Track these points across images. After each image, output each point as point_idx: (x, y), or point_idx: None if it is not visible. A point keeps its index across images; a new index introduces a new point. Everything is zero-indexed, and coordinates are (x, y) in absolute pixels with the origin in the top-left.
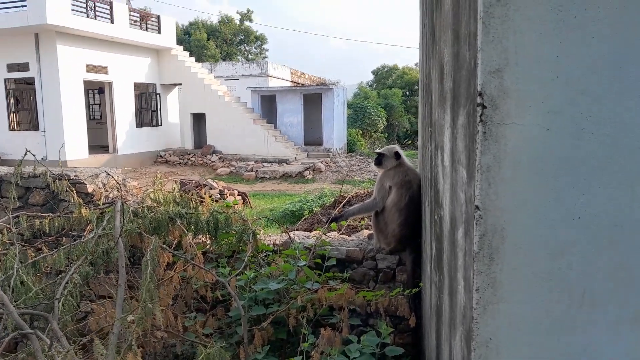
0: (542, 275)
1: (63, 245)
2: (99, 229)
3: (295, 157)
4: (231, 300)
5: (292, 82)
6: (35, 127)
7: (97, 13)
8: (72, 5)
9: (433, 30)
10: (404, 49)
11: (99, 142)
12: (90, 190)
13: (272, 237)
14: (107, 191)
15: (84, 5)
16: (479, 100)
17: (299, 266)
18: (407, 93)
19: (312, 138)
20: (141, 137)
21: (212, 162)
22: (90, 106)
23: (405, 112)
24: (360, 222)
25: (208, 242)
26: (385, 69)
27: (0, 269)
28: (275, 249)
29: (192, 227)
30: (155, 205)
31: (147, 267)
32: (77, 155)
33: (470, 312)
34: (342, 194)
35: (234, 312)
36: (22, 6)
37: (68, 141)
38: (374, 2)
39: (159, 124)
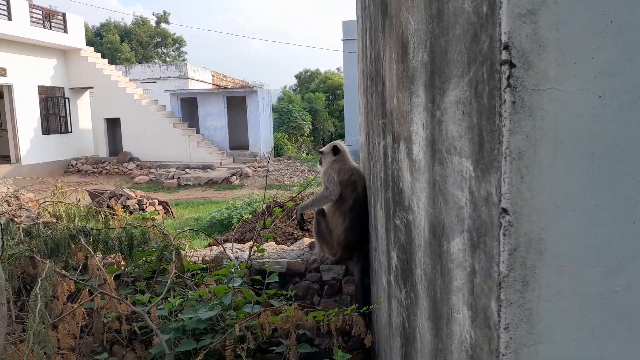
0: (594, 301)
1: None
2: None
3: (221, 163)
4: (153, 334)
5: (213, 84)
6: None
7: None
8: None
9: (385, 5)
10: (325, 53)
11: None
12: None
13: (200, 252)
14: None
15: None
16: (504, 56)
17: (234, 287)
18: (331, 97)
19: (238, 142)
20: (49, 145)
21: (130, 170)
22: None
23: (329, 115)
24: (296, 230)
25: (122, 262)
26: (308, 73)
27: None
28: (205, 265)
29: (101, 246)
30: (54, 221)
31: (36, 303)
32: None
33: (495, 359)
34: (274, 198)
35: (157, 348)
36: None
37: None
38: (294, 5)
39: (69, 130)
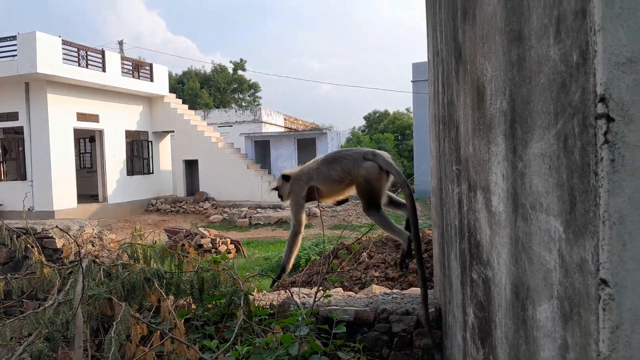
0: None
1: (22, 312)
2: (61, 294)
3: None
4: None
5: (285, 127)
6: (23, 177)
7: (89, 62)
8: (64, 54)
9: (459, 50)
10: (394, 94)
11: (89, 191)
12: (59, 245)
13: (268, 296)
14: (79, 246)
15: (76, 55)
16: (600, 109)
17: (301, 337)
18: (399, 137)
19: None
20: (132, 186)
21: (205, 209)
22: (81, 155)
23: (398, 156)
24: (364, 274)
25: (193, 305)
26: (377, 114)
27: None
28: (273, 311)
29: (173, 289)
30: (131, 262)
31: (110, 347)
32: (66, 205)
33: None
34: (341, 241)
35: None
36: (13, 56)
37: (56, 191)
38: (364, 47)
39: (151, 171)
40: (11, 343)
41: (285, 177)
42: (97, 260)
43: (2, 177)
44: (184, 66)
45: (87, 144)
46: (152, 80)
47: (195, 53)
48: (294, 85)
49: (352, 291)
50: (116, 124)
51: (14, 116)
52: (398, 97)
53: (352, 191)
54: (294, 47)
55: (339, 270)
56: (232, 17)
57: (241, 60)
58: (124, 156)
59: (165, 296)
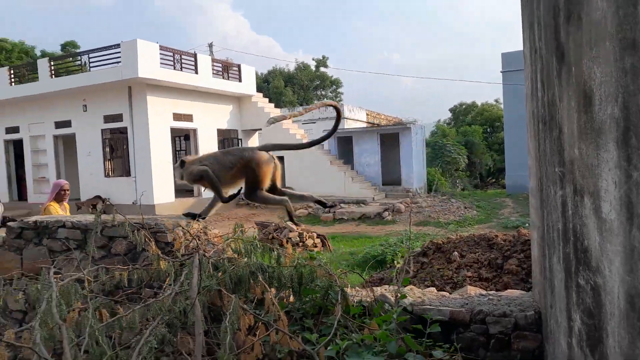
0: None
1: (142, 299)
2: (176, 284)
3: (374, 198)
4: None
5: (368, 122)
6: (128, 173)
7: (183, 65)
8: (161, 59)
9: (561, 50)
10: (481, 85)
11: (184, 186)
12: (170, 239)
13: (360, 292)
14: (187, 240)
15: (172, 59)
16: None
17: (399, 336)
18: (488, 130)
19: (391, 178)
20: None
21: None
22: (177, 152)
23: (487, 149)
24: (455, 274)
25: (291, 299)
26: (464, 106)
27: (79, 326)
28: (365, 305)
29: (275, 282)
30: (235, 256)
31: (226, 335)
32: (165, 199)
33: None
34: (431, 239)
35: None
36: (117, 62)
37: (156, 186)
38: (448, 38)
39: None
40: (137, 326)
41: (182, 163)
42: (206, 254)
43: (110, 174)
44: (269, 65)
45: (182, 142)
46: (240, 80)
47: (279, 52)
48: (376, 79)
49: (444, 291)
50: (208, 122)
51: (119, 118)
52: (486, 88)
53: (241, 180)
54: (375, 42)
55: (429, 269)
56: (314, 15)
57: (323, 57)
58: None
59: (268, 289)
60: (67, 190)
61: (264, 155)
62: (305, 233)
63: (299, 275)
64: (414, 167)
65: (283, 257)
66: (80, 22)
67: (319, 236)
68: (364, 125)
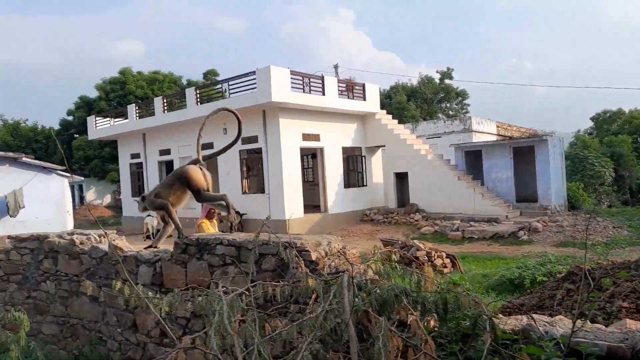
0: None
1: (290, 314)
2: (326, 302)
3: (507, 216)
4: None
5: (498, 135)
6: (262, 190)
7: (311, 87)
8: (292, 83)
9: None
10: (629, 91)
11: (311, 202)
12: (313, 258)
13: (504, 319)
14: (329, 259)
15: (301, 82)
16: None
17: None
18: (639, 139)
19: (525, 194)
20: (348, 197)
21: (416, 220)
22: (305, 170)
23: (638, 160)
24: (608, 304)
25: (433, 323)
26: (608, 114)
27: (241, 336)
28: (507, 332)
29: (419, 306)
30: (377, 278)
31: (380, 356)
32: (294, 214)
33: None
34: (578, 263)
35: None
36: (253, 88)
37: (287, 202)
38: (584, 43)
39: (364, 184)
40: (295, 340)
41: (143, 198)
42: (350, 274)
43: (247, 191)
44: (391, 81)
45: (310, 160)
46: (364, 99)
47: (400, 66)
48: (506, 89)
49: (596, 322)
50: (334, 141)
51: (254, 139)
52: (634, 94)
53: (187, 195)
54: (504, 49)
55: (577, 297)
56: (437, 27)
57: (448, 69)
58: (341, 170)
59: (413, 312)
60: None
61: (191, 166)
62: (433, 252)
63: (444, 301)
64: (552, 183)
65: (423, 280)
66: (217, 50)
67: (448, 256)
68: (494, 138)
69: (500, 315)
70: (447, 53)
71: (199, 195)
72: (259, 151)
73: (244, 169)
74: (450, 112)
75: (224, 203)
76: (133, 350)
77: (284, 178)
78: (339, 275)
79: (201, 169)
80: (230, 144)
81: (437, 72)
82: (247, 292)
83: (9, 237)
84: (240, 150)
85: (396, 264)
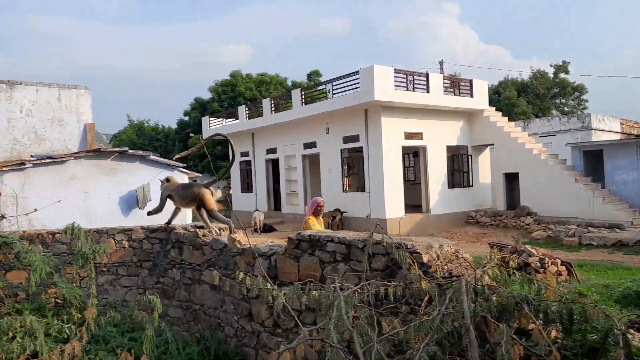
0: None
1: (402, 315)
2: (442, 306)
3: (632, 222)
4: None
5: (622, 134)
6: (362, 189)
7: (415, 85)
8: (395, 81)
9: None
10: None
11: (412, 201)
12: (425, 260)
13: (634, 334)
14: (441, 262)
15: (404, 80)
16: None
17: None
18: None
19: None
20: (452, 198)
21: (527, 224)
22: (405, 169)
23: None
24: None
25: (553, 332)
26: None
27: (359, 333)
28: None
29: (541, 315)
30: (494, 284)
31: None
32: (395, 214)
33: None
34: None
35: None
36: (356, 87)
37: (388, 201)
38: None
39: (470, 184)
40: (412, 341)
41: (167, 179)
42: (466, 278)
43: (347, 189)
44: (499, 76)
45: (411, 158)
46: (471, 95)
47: (509, 60)
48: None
49: None
50: (438, 139)
51: (356, 138)
52: None
53: (193, 205)
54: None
55: None
56: (549, 17)
57: (563, 62)
58: (444, 170)
59: (535, 321)
60: (323, 206)
61: (206, 190)
62: (547, 259)
63: (569, 312)
64: None
65: (544, 288)
66: (320, 51)
67: (563, 263)
68: (618, 136)
69: (632, 331)
70: (561, 45)
71: (211, 213)
72: (360, 150)
73: (345, 167)
74: (566, 109)
75: (229, 224)
76: (248, 337)
77: (385, 177)
78: (452, 279)
79: (211, 191)
80: (229, 166)
81: (551, 65)
82: (359, 290)
83: (142, 227)
84: (341, 149)
85: (514, 270)
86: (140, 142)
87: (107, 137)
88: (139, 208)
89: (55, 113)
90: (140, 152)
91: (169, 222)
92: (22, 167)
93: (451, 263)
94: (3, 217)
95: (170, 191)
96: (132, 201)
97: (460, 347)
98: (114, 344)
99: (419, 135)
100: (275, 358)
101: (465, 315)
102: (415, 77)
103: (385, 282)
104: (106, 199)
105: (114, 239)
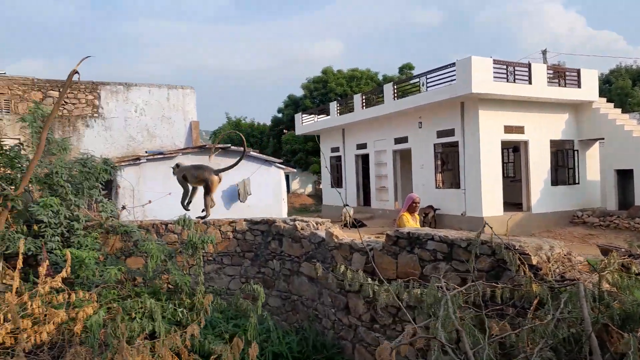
0: None
1: (508, 316)
2: (557, 311)
3: None
4: None
5: None
6: (457, 185)
7: (516, 76)
8: (494, 73)
9: None
10: None
11: (511, 199)
12: (534, 262)
13: None
14: (552, 265)
15: (504, 71)
16: None
17: None
18: None
19: None
20: (556, 196)
21: None
22: (505, 164)
23: None
24: None
25: None
26: None
27: (468, 334)
28: None
29: None
30: (614, 290)
31: None
32: (493, 212)
33: None
34: None
35: None
36: (452, 80)
37: (485, 198)
38: None
39: (576, 181)
40: (525, 344)
41: (177, 165)
42: (582, 283)
43: (440, 185)
44: (610, 63)
45: (510, 154)
46: (579, 86)
47: (622, 46)
48: None
49: None
50: (540, 134)
51: (451, 132)
52: None
53: (200, 184)
54: None
55: None
56: None
57: None
58: (547, 166)
59: None
60: (418, 203)
61: (215, 177)
62: None
63: None
64: None
65: None
66: (411, 43)
67: None
68: None
69: None
70: None
71: (208, 194)
72: (455, 144)
73: (439, 162)
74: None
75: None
76: (345, 330)
77: (482, 173)
78: (565, 282)
79: (219, 178)
80: (237, 162)
81: None
82: (463, 290)
83: (245, 219)
84: (434, 144)
85: (636, 276)
86: (237, 138)
87: (206, 133)
88: (240, 201)
89: (164, 112)
90: (242, 149)
91: (188, 204)
92: (138, 162)
93: (563, 266)
94: (124, 207)
95: (184, 171)
96: (233, 194)
97: (580, 354)
98: (221, 329)
99: (520, 129)
100: (383, 351)
101: (585, 321)
102: (515, 68)
103: (492, 284)
104: None
105: (219, 230)
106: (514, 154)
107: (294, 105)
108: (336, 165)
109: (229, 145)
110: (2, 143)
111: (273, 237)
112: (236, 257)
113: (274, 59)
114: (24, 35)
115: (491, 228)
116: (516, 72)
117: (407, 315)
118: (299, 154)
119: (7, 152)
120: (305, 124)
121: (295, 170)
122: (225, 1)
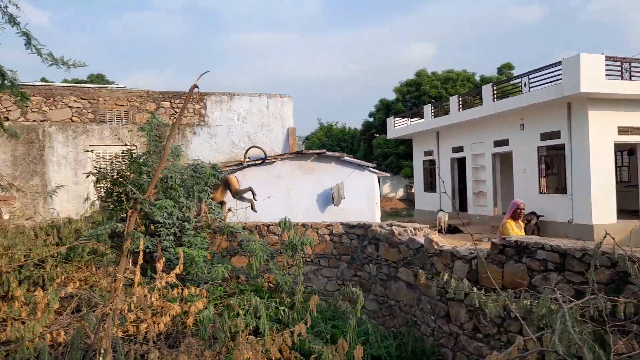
0: None
1: (632, 333)
2: None
3: None
4: None
5: None
6: (563, 191)
7: (632, 73)
8: (606, 70)
9: None
10: None
11: (626, 206)
12: None
13: None
14: None
15: (619, 68)
16: None
17: None
18: None
19: None
20: None
21: None
22: (618, 168)
23: None
24: None
25: None
26: None
27: (590, 352)
28: None
29: None
30: None
31: None
32: (605, 219)
33: None
34: None
35: None
36: (558, 79)
37: (595, 205)
38: None
39: None
40: None
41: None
42: None
43: (544, 190)
44: None
45: (624, 157)
46: None
47: None
48: None
49: None
50: None
51: (556, 135)
52: None
53: (224, 191)
54: None
55: None
56: None
57: None
58: None
59: None
60: (523, 209)
61: (233, 177)
62: None
63: None
64: None
65: None
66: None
67: None
68: None
69: None
70: None
71: (235, 194)
72: (560, 147)
73: (543, 166)
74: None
75: (250, 196)
76: (445, 338)
77: (592, 178)
78: None
79: (236, 177)
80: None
81: None
82: (580, 304)
83: (341, 223)
84: (538, 147)
85: None
86: (329, 143)
87: (299, 139)
88: (334, 205)
89: (264, 119)
90: (336, 154)
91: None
92: (241, 167)
93: None
94: (230, 210)
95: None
96: (327, 198)
97: None
98: (320, 329)
99: (636, 131)
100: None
101: None
102: (632, 64)
103: (614, 298)
104: (305, 196)
105: (317, 233)
106: (629, 157)
107: (385, 109)
108: (429, 169)
109: (324, 150)
110: (132, 152)
111: (369, 242)
112: (333, 260)
113: (363, 65)
114: (137, 50)
115: (613, 238)
116: (632, 69)
117: (519, 325)
118: (390, 158)
119: (138, 160)
120: (398, 127)
121: (388, 174)
122: (316, 12)
